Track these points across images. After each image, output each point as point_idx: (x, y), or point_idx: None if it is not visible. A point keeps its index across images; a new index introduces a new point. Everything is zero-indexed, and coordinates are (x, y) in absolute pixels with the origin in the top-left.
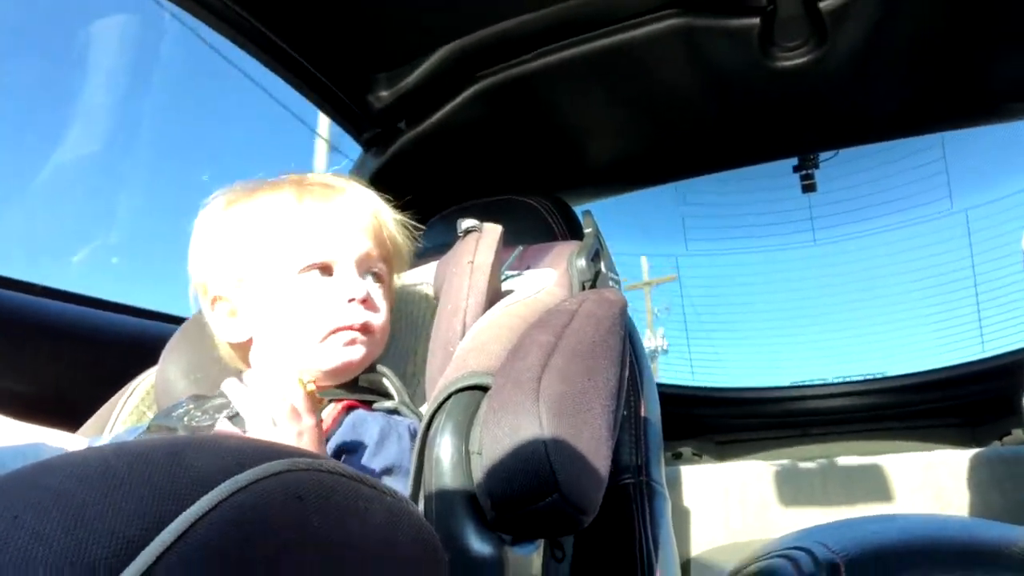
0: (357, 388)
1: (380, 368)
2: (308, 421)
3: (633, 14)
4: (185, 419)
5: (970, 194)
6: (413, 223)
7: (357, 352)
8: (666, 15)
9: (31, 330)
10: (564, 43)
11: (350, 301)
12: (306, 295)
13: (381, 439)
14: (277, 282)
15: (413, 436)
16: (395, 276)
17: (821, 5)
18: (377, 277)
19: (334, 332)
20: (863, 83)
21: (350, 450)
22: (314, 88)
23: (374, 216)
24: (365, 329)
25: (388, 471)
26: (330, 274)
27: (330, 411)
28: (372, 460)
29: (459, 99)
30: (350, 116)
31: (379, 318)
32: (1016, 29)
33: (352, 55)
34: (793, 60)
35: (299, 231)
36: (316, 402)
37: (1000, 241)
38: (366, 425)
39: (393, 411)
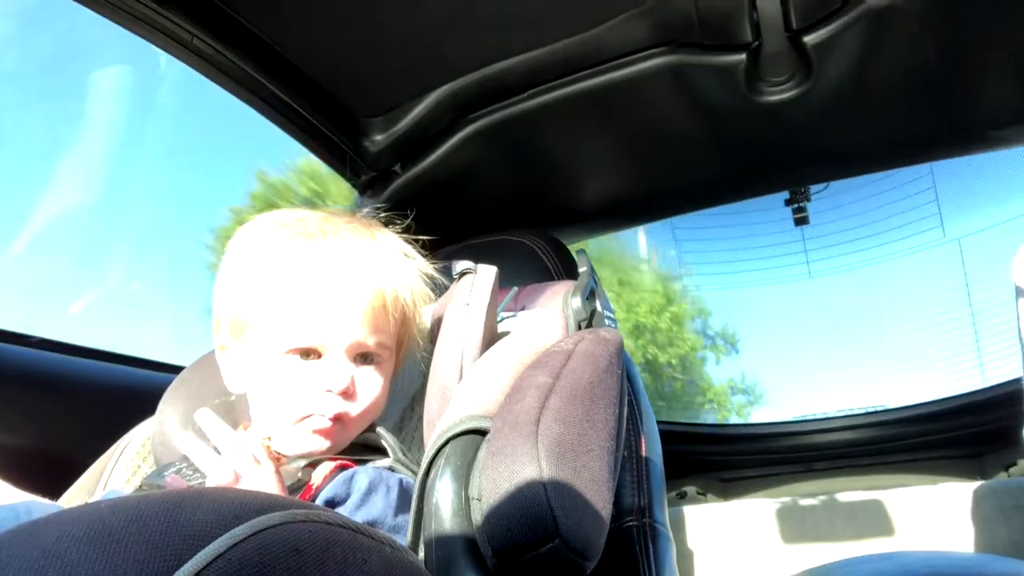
0: (351, 447)
1: (377, 429)
2: (268, 467)
3: (622, 53)
4: (178, 476)
5: (961, 223)
6: (434, 270)
7: (321, 443)
8: (654, 53)
9: (26, 382)
10: (555, 83)
11: (327, 391)
12: (285, 378)
13: (368, 492)
14: (263, 356)
15: (406, 491)
16: (415, 336)
17: (806, 39)
18: (371, 358)
19: (306, 418)
20: (851, 116)
21: (336, 503)
22: (309, 133)
23: (379, 295)
24: (337, 419)
25: (370, 526)
26: (318, 357)
27: (322, 469)
28: (355, 514)
29: (452, 141)
30: (345, 160)
31: (358, 406)
32: (1001, 56)
33: (346, 100)
34: (780, 95)
35: (291, 311)
36: (274, 456)
37: (994, 270)
38: (355, 478)
39: (388, 469)
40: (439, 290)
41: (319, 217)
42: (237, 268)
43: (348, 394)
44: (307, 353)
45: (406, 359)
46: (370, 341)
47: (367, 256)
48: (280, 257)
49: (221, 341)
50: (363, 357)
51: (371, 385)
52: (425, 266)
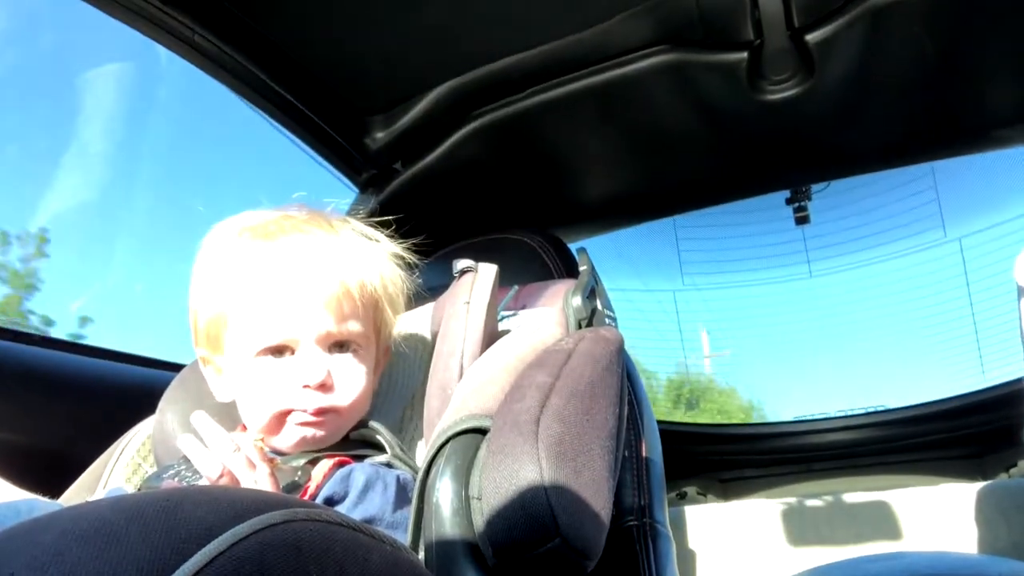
0: (349, 444)
1: (372, 424)
2: (263, 469)
3: (624, 51)
4: (176, 480)
5: (963, 223)
6: (410, 256)
7: (312, 437)
8: (656, 51)
9: (27, 380)
10: (557, 81)
11: (304, 387)
12: (260, 380)
13: (365, 489)
14: (237, 362)
15: (404, 487)
16: (392, 319)
17: (808, 38)
18: (347, 347)
19: (288, 414)
20: (852, 114)
21: (334, 502)
22: (310, 131)
23: (342, 282)
24: (321, 412)
25: (368, 523)
26: (291, 353)
27: (322, 467)
28: (352, 511)
29: (454, 138)
30: (346, 158)
31: (343, 396)
32: (1001, 56)
33: (347, 98)
34: (782, 93)
35: (257, 311)
36: (268, 457)
37: (995, 269)
38: (352, 476)
39: (386, 464)
40: (411, 269)
41: (278, 217)
42: (204, 278)
43: (326, 386)
44: (279, 351)
45: (390, 346)
46: (340, 329)
47: (326, 246)
48: (241, 261)
49: (201, 353)
50: (339, 346)
51: (351, 374)
52: (391, 247)
